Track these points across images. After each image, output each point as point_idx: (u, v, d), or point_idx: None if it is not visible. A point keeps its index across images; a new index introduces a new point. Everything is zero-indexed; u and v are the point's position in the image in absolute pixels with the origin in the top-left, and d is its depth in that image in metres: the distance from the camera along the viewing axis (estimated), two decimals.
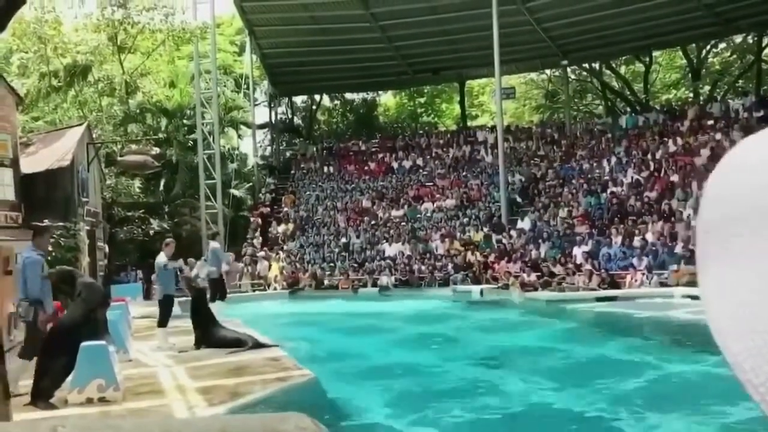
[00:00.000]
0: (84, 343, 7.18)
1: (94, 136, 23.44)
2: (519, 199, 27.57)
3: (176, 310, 14.60)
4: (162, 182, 31.39)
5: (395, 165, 33.34)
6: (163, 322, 11.38)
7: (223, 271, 16.75)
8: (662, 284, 17.96)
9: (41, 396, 6.83)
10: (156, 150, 26.57)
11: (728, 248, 0.47)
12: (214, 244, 16.76)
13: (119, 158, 25.90)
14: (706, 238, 0.49)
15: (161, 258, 11.54)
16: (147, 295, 21.48)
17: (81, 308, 7.33)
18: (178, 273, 12.03)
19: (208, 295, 15.40)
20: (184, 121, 32.07)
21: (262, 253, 26.66)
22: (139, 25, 28.84)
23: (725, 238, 0.47)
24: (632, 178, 25.00)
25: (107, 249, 24.36)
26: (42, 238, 8.47)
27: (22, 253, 8.51)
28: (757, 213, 0.46)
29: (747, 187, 0.47)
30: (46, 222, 17.97)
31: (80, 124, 22.83)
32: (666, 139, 27.15)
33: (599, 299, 17.32)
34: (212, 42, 30.69)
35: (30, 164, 19.15)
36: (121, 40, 29.77)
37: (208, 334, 10.76)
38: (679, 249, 18.88)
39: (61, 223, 18.35)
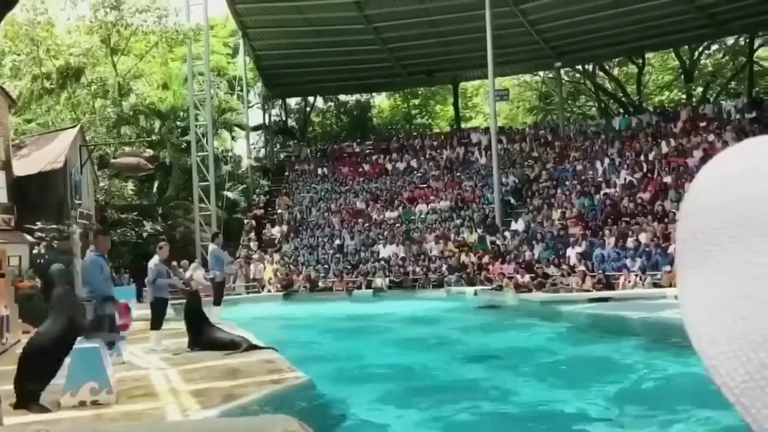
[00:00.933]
0: (77, 346, 7.15)
1: (87, 138, 23.37)
2: (513, 201, 27.63)
3: (170, 312, 14.58)
4: (155, 184, 31.32)
5: (389, 167, 33.36)
6: (156, 325, 11.34)
7: (225, 273, 16.30)
8: (655, 285, 18.02)
9: (31, 399, 6.81)
10: (149, 152, 26.50)
11: (708, 255, 0.48)
12: (213, 247, 16.12)
13: (112, 160, 25.82)
14: (686, 245, 0.51)
15: (154, 261, 11.50)
16: (141, 297, 21.39)
17: (59, 323, 7.23)
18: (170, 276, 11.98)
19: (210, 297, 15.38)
20: (178, 123, 31.99)
21: (255, 256, 26.61)
22: (132, 27, 28.77)
23: (705, 245, 0.48)
24: (625, 179, 25.08)
25: None
26: (100, 239, 9.25)
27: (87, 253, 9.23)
28: (738, 222, 0.47)
29: (730, 197, 0.48)
30: (39, 224, 17.94)
31: (73, 126, 22.76)
32: (659, 140, 27.26)
33: (593, 300, 17.36)
34: (205, 44, 30.63)
35: (22, 166, 19.08)
36: (114, 42, 29.69)
37: (201, 336, 10.72)
38: (672, 250, 18.94)
39: (54, 226, 18.28)
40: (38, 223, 17.98)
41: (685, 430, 6.32)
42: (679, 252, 0.51)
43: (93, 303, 8.74)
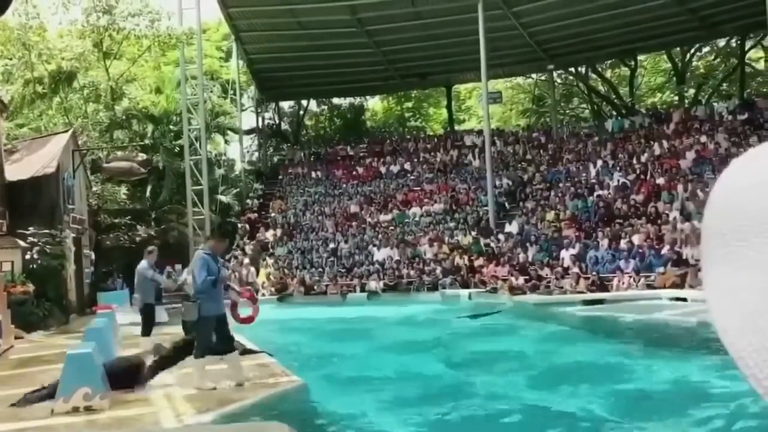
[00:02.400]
0: (69, 351, 7.13)
1: (79, 142, 23.27)
2: (506, 203, 27.67)
3: (164, 317, 14.53)
4: (148, 188, 31.21)
5: (383, 170, 33.38)
6: (146, 331, 11.28)
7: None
8: (649, 286, 18.03)
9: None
10: (142, 156, 26.40)
11: (733, 251, 0.49)
12: (197, 252, 16.26)
13: (105, 165, 25.71)
14: (711, 241, 0.51)
15: (143, 266, 11.43)
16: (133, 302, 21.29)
17: None
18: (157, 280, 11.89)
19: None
20: (171, 126, 31.89)
21: (246, 260, 26.54)
22: (125, 31, 28.67)
23: (731, 241, 0.49)
24: (618, 181, 25.14)
25: (93, 256, 24.17)
26: (217, 241, 8.97)
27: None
28: (762, 221, 0.48)
29: (754, 197, 0.49)
30: (31, 229, 17.85)
31: (65, 131, 22.66)
32: (652, 142, 27.35)
33: (586, 302, 17.36)
34: (198, 48, 30.59)
35: (15, 171, 19.00)
36: (106, 46, 29.58)
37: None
38: (665, 251, 18.99)
39: (46, 231, 18.19)
40: (31, 228, 17.88)
41: (677, 430, 6.33)
42: (705, 248, 0.52)
43: (185, 308, 8.31)
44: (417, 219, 28.22)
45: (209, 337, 8.13)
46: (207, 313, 7.97)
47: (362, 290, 23.73)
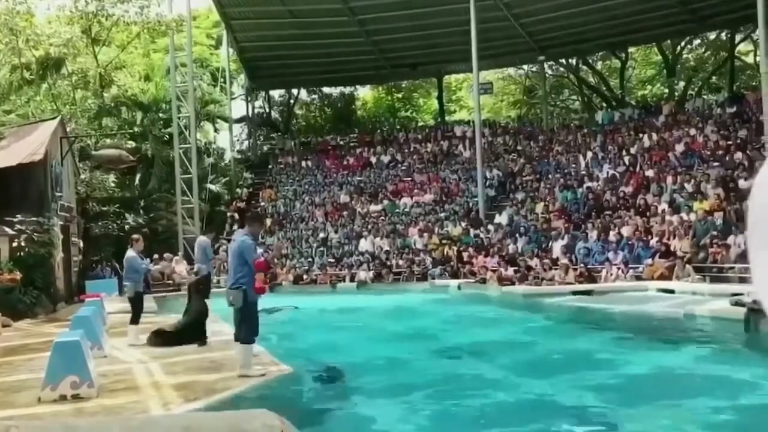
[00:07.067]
0: (57, 339, 7.09)
1: (67, 129, 23.08)
2: (496, 194, 27.73)
3: (152, 306, 14.50)
4: (137, 177, 31.03)
5: (373, 160, 33.35)
6: (135, 319, 11.26)
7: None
8: (637, 278, 18.15)
9: None
10: (131, 144, 26.19)
11: None
12: (204, 240, 16.61)
13: (94, 152, 25.52)
14: (757, 227, 0.51)
15: (131, 255, 11.41)
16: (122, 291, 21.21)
17: None
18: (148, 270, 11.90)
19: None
20: (160, 114, 31.67)
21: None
22: (114, 17, 28.35)
23: None
24: (608, 173, 25.24)
25: (82, 244, 24.03)
26: (254, 225, 8.74)
27: (234, 237, 8.61)
28: None
29: None
30: (19, 217, 17.72)
31: (54, 118, 22.45)
32: (641, 134, 27.45)
33: (575, 293, 17.46)
34: (188, 35, 30.35)
35: (2, 158, 18.80)
36: (95, 32, 29.26)
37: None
38: (653, 243, 19.10)
39: (34, 218, 18.06)
40: (18, 215, 17.75)
41: (665, 421, 6.38)
42: (751, 234, 0.52)
43: (233, 295, 7.94)
44: (407, 209, 28.24)
45: (257, 323, 8.10)
46: (252, 298, 7.98)
47: (352, 280, 23.75)
